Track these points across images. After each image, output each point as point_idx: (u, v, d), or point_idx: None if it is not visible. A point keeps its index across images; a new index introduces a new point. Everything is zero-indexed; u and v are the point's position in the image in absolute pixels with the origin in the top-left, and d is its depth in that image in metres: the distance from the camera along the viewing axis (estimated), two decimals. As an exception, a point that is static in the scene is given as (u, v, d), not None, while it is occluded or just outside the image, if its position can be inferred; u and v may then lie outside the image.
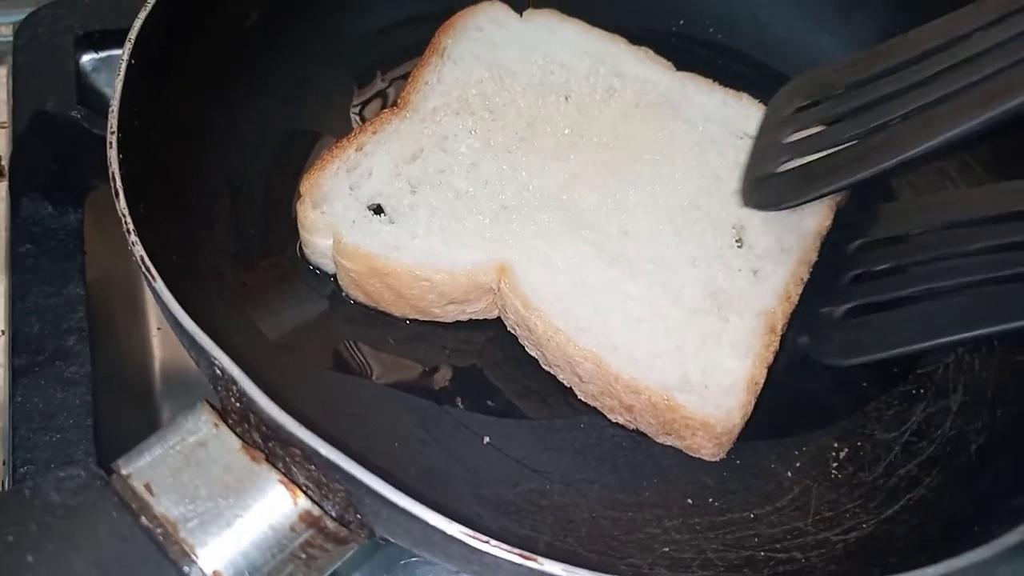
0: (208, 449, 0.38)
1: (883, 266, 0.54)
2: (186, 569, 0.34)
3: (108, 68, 0.72)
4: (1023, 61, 0.46)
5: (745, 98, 0.60)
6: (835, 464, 0.51)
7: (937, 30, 0.52)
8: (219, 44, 0.57)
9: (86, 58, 0.72)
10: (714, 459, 0.50)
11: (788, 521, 0.48)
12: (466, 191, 0.54)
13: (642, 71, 0.60)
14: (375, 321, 0.53)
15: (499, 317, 0.53)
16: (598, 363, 0.49)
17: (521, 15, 0.62)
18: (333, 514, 0.38)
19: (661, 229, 0.54)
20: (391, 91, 0.63)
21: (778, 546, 0.47)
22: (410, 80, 0.58)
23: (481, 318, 0.54)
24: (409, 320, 0.53)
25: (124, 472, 0.37)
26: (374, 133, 0.56)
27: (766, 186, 0.55)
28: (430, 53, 0.59)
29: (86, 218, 0.64)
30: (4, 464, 0.56)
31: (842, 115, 0.54)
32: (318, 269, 0.54)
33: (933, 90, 0.50)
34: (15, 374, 0.56)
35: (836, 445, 0.51)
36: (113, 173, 0.44)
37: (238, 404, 0.38)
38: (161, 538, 0.35)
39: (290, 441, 0.36)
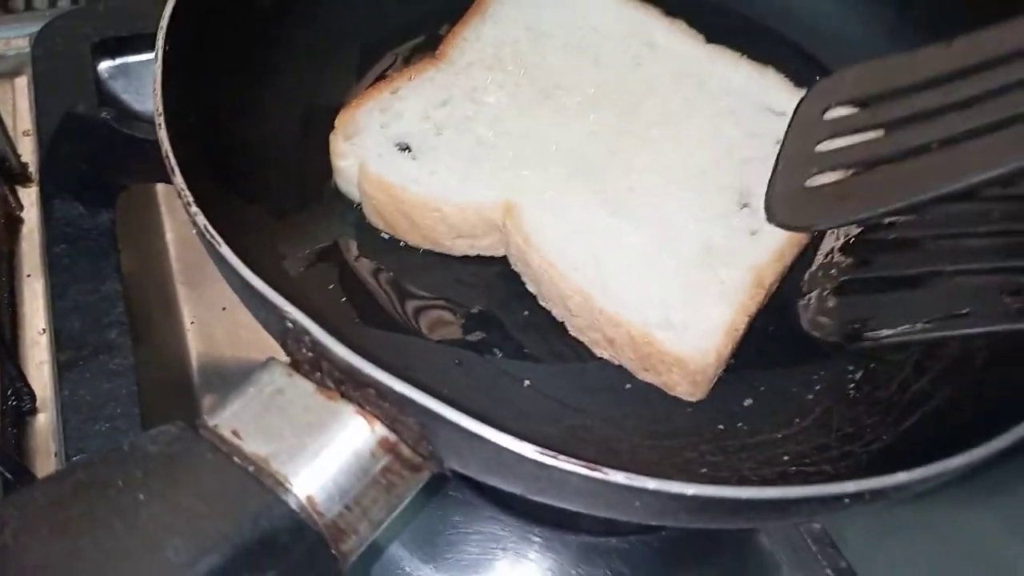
0: (286, 395, 0.41)
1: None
2: (283, 496, 0.37)
3: (125, 74, 0.75)
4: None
5: (770, 72, 0.63)
6: (852, 385, 0.54)
7: (1003, 36, 0.46)
8: (239, 24, 0.59)
9: (103, 65, 0.75)
10: (691, 398, 0.52)
11: (814, 439, 0.52)
12: (487, 138, 0.58)
13: (673, 42, 0.64)
14: (417, 276, 0.56)
15: (505, 256, 0.57)
16: (586, 298, 0.52)
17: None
18: (409, 444, 0.41)
19: (668, 190, 0.57)
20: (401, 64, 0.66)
21: (807, 461, 0.50)
22: (449, 35, 0.63)
23: (489, 255, 0.57)
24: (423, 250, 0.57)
25: (211, 423, 0.40)
26: (410, 79, 0.60)
27: (795, 202, 0.51)
28: (473, 13, 0.64)
29: (117, 218, 0.67)
30: (56, 456, 0.59)
31: (887, 124, 0.49)
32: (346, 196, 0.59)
33: (998, 108, 0.44)
34: (61, 369, 0.59)
35: (851, 368, 0.55)
36: (167, 152, 0.47)
37: (310, 354, 0.41)
38: (256, 473, 0.38)
39: (365, 381, 0.39)
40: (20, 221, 0.72)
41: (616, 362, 0.53)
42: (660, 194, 0.56)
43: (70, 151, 0.64)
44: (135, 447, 0.38)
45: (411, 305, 0.55)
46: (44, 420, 0.62)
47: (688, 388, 0.52)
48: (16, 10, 1.05)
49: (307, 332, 0.40)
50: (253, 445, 0.39)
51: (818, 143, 0.52)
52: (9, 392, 0.60)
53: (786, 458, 0.50)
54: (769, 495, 0.39)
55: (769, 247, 0.55)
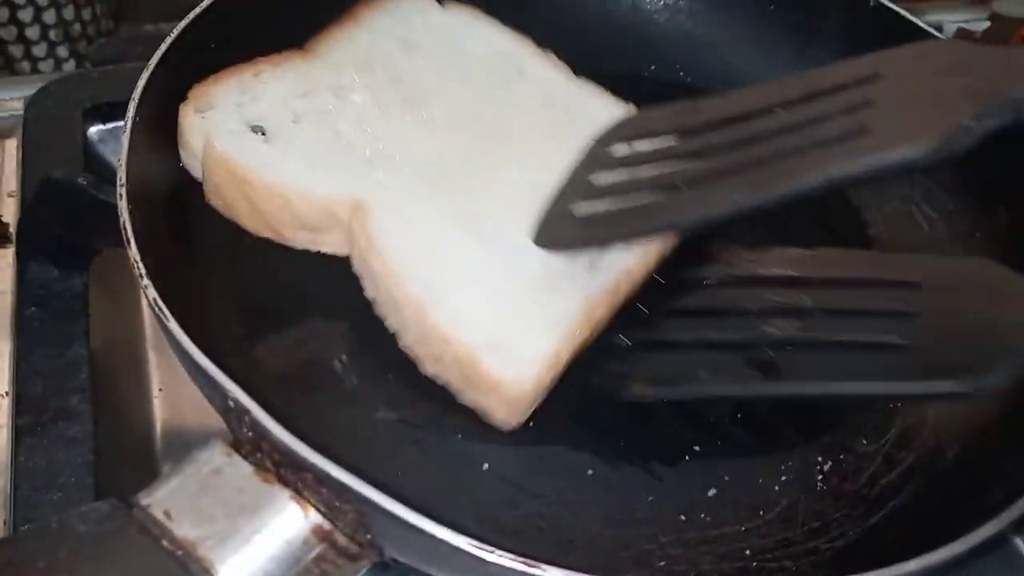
0: (222, 476, 0.40)
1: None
2: (209, 585, 0.36)
3: (115, 138, 0.76)
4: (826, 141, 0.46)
5: (631, 107, 0.63)
6: (820, 476, 0.53)
7: (767, 91, 0.51)
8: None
9: (93, 129, 0.75)
10: (506, 426, 0.51)
11: (777, 532, 0.50)
12: (346, 134, 0.57)
13: (541, 71, 0.64)
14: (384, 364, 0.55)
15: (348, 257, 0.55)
16: (421, 310, 0.51)
17: (443, 4, 0.66)
18: (345, 534, 0.40)
19: (517, 212, 0.56)
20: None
21: (769, 556, 0.49)
22: (321, 34, 0.62)
23: (331, 252, 0.56)
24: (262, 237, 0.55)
25: (144, 503, 0.39)
26: (274, 66, 0.59)
27: (554, 226, 0.54)
28: (347, 20, 0.63)
29: (91, 282, 0.66)
30: (5, 524, 0.57)
31: (647, 160, 0.53)
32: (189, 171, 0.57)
33: (739, 155, 0.49)
34: (18, 434, 0.58)
35: (820, 458, 0.54)
36: (124, 222, 0.46)
37: (251, 434, 0.40)
38: (183, 558, 0.37)
39: (302, 466, 0.38)
40: (-6, 281, 0.72)
41: (441, 381, 0.52)
42: (509, 216, 0.56)
43: (47, 214, 0.64)
44: (63, 525, 0.38)
45: (375, 386, 0.54)
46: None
47: (505, 416, 0.50)
48: (22, 72, 1.07)
49: (247, 411, 0.39)
50: (184, 528, 0.38)
51: (593, 175, 0.55)
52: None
53: (747, 552, 0.49)
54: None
55: (604, 282, 0.54)
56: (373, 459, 0.51)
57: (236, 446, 0.41)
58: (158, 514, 0.38)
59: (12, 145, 0.81)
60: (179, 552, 0.37)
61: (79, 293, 0.65)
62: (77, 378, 0.60)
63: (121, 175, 0.48)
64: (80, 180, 0.61)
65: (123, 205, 0.47)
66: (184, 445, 0.64)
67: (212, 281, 0.55)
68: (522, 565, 0.37)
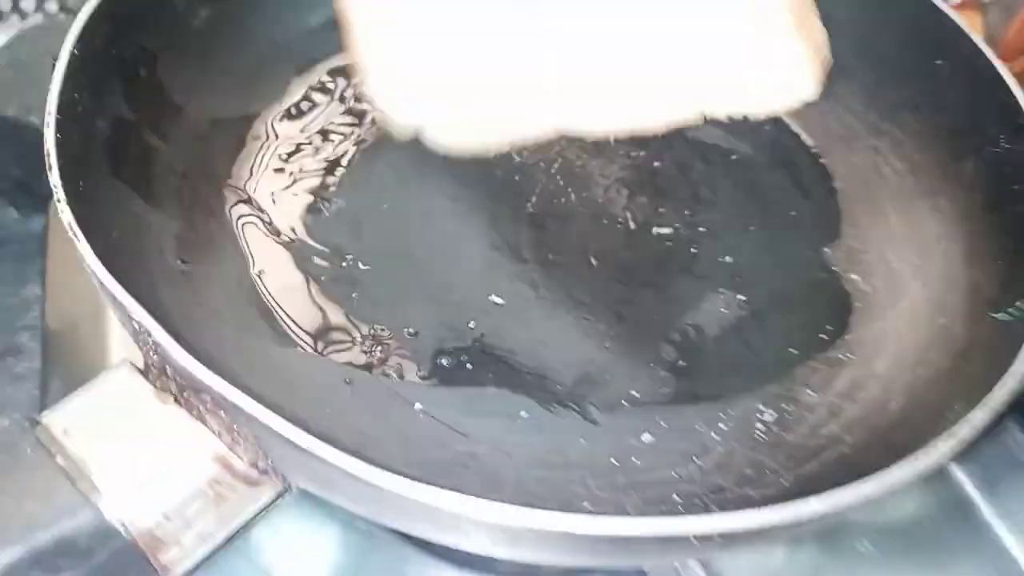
0: (124, 398, 0.40)
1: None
2: (95, 500, 0.36)
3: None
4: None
5: None
6: (760, 426, 0.52)
7: None
8: (168, 40, 0.59)
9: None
10: None
11: (710, 480, 0.49)
12: None
13: None
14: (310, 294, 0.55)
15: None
16: None
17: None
18: (245, 460, 0.39)
19: None
20: (330, 82, 0.66)
21: (696, 502, 0.48)
22: None
23: None
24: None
25: (45, 421, 0.39)
26: None
27: None
28: None
29: (55, 227, 0.67)
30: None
31: None
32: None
33: None
34: (-35, 370, 0.58)
35: (762, 408, 0.52)
36: (48, 150, 0.46)
37: (155, 356, 0.40)
38: (73, 473, 0.36)
39: (199, 387, 0.38)
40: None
41: None
42: None
43: (3, 155, 0.64)
44: (-38, 439, 0.38)
45: (309, 321, 0.54)
46: (-54, 418, 0.61)
47: None
48: (8, 18, 1.07)
49: (149, 332, 0.39)
50: (78, 446, 0.38)
51: None
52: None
53: (676, 497, 0.48)
54: (613, 530, 0.37)
55: None
56: (303, 399, 0.51)
57: (145, 372, 0.41)
58: (57, 431, 0.38)
59: (-17, 94, 0.82)
60: (72, 468, 0.37)
61: (37, 235, 0.65)
62: (28, 316, 0.61)
63: (50, 105, 0.48)
64: (32, 119, 0.61)
65: (49, 133, 0.47)
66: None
67: (153, 218, 0.55)
68: (416, 491, 0.36)
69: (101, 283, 0.41)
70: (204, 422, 0.39)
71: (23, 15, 1.02)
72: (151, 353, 0.40)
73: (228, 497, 0.39)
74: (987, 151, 0.58)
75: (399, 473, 0.36)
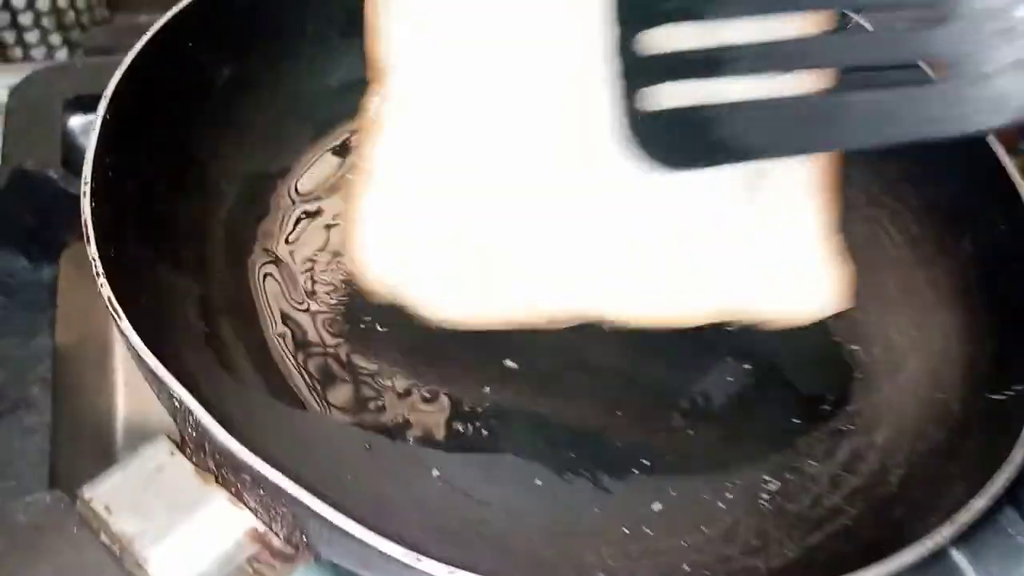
0: (164, 473, 0.41)
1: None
2: (139, 578, 0.37)
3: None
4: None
5: None
6: (765, 495, 0.54)
7: None
8: (192, 99, 0.61)
9: (75, 120, 0.76)
10: None
11: (718, 549, 0.51)
12: None
13: None
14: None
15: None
16: None
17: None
18: (281, 536, 0.41)
19: None
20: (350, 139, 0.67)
21: (707, 572, 0.50)
22: None
23: None
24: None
25: (86, 496, 0.40)
26: None
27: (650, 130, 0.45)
28: None
29: (64, 275, 0.67)
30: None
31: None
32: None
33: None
34: (-25, 422, 0.58)
35: (766, 478, 0.54)
36: (85, 220, 0.47)
37: (194, 433, 0.41)
38: (118, 551, 0.38)
39: (239, 467, 0.39)
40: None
41: None
42: None
43: (17, 205, 0.65)
44: (4, 514, 0.39)
45: (329, 384, 0.55)
46: (-42, 474, 0.61)
47: None
48: (14, 58, 1.08)
49: (191, 411, 0.40)
50: (121, 523, 0.39)
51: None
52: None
53: (686, 567, 0.50)
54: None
55: None
56: (324, 464, 0.52)
57: (182, 445, 0.42)
58: (99, 508, 0.39)
59: (-5, 134, 0.82)
60: (116, 546, 0.38)
61: (48, 284, 0.66)
62: (39, 368, 0.61)
63: (86, 174, 0.49)
64: (51, 173, 0.62)
65: (86, 203, 0.48)
66: (144, 437, 0.65)
67: (178, 281, 0.56)
68: (447, 572, 0.38)
69: (144, 363, 0.42)
70: (241, 498, 0.40)
71: (27, 47, 1.03)
72: (190, 430, 0.41)
73: (266, 573, 0.40)
74: (984, 233, 0.60)
75: (434, 558, 0.38)
